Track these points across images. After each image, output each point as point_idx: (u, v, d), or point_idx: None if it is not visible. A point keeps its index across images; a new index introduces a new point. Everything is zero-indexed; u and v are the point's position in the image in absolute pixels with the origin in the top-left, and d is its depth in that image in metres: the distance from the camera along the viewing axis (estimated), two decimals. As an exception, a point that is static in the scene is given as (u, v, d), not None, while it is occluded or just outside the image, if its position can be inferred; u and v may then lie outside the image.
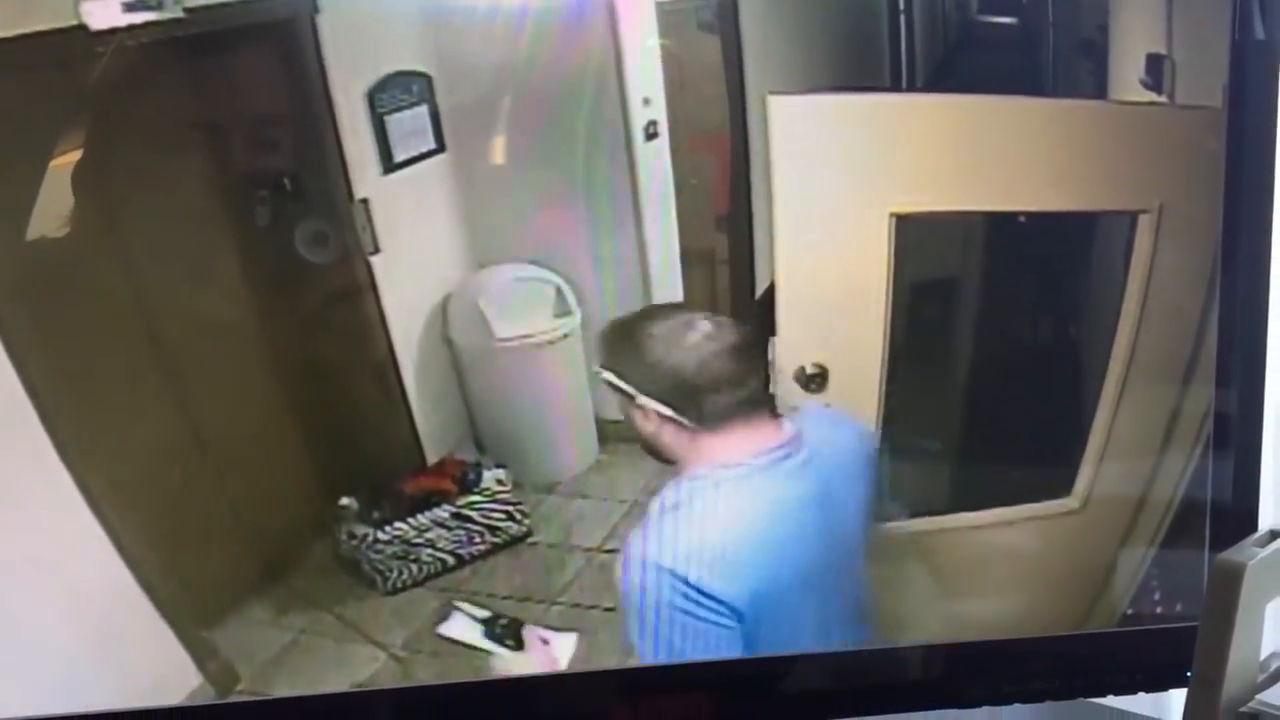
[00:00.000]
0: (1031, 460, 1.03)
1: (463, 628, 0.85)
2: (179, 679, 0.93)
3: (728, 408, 0.80)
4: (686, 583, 0.78)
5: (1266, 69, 0.91)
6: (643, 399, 0.79)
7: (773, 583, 0.81)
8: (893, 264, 0.98)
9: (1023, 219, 1.00)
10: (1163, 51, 0.96)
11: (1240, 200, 0.92)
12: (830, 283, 0.99)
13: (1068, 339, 1.04)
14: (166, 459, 0.95)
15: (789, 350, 0.98)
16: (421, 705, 0.93)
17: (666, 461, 0.82)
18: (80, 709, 0.86)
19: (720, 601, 0.79)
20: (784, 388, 0.95)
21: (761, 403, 0.82)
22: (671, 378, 0.79)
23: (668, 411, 0.79)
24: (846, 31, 1.12)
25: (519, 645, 0.84)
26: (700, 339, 0.80)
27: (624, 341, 0.80)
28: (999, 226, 1.01)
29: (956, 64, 1.08)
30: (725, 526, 0.79)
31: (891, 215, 0.98)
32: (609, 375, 0.79)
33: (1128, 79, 0.99)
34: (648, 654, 0.80)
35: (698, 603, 0.78)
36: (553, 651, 0.82)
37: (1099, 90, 1.00)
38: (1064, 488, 1.02)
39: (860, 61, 1.16)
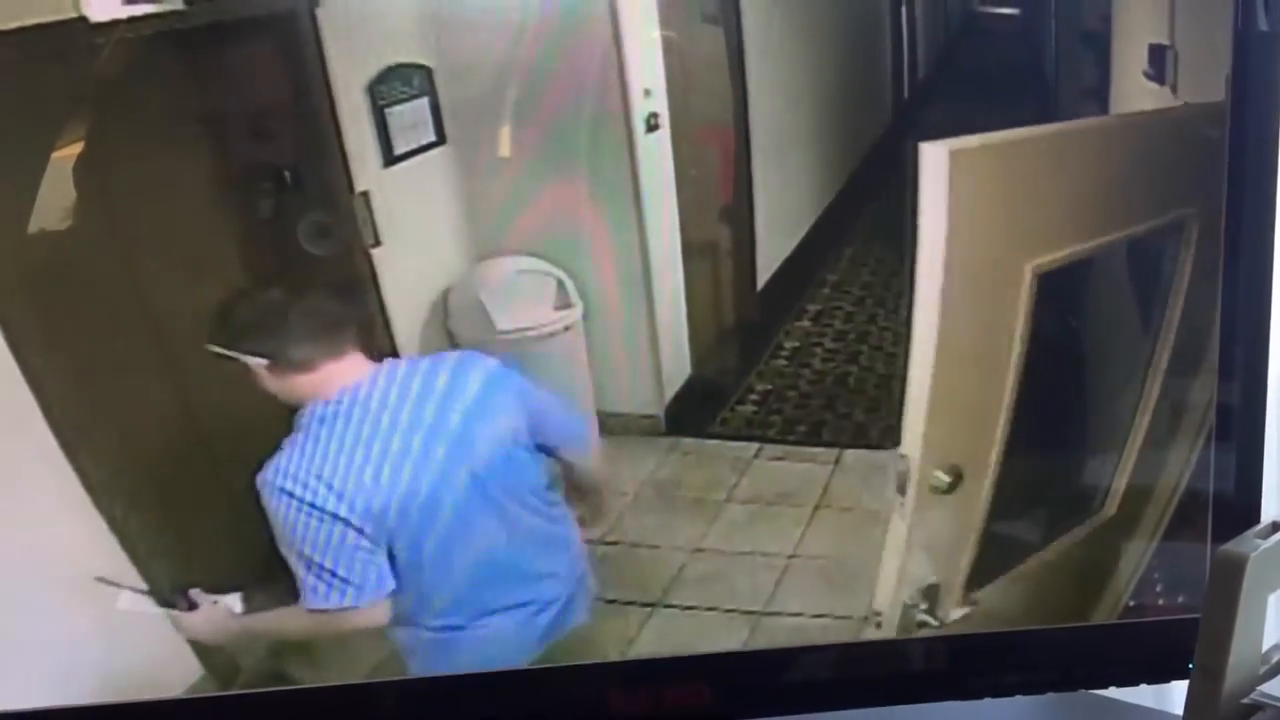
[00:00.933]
0: (1097, 491, 1.01)
1: (133, 602, 0.91)
2: (180, 671, 0.93)
3: (309, 354, 0.92)
4: (300, 500, 0.90)
5: (1269, 59, 0.91)
6: (243, 357, 0.90)
7: (384, 505, 0.93)
8: (1026, 331, 0.94)
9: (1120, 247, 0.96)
10: (1165, 42, 0.96)
11: (1243, 191, 0.92)
12: (970, 366, 0.95)
13: (1130, 358, 1.02)
14: (168, 451, 0.95)
15: (922, 458, 0.96)
16: (423, 696, 0.94)
17: (293, 408, 0.93)
18: (82, 701, 0.86)
19: (333, 514, 0.91)
20: (917, 502, 0.95)
21: (340, 350, 0.93)
22: (257, 333, 0.90)
23: (262, 362, 0.90)
24: (848, 22, 1.12)
25: (191, 606, 0.92)
26: (276, 296, 0.92)
27: (223, 317, 0.90)
28: (1106, 260, 0.97)
29: (959, 54, 1.08)
30: (323, 449, 0.92)
31: (1033, 271, 0.93)
32: (215, 348, 0.89)
33: (1130, 70, 0.99)
34: (299, 569, 0.92)
35: (310, 514, 0.91)
36: (221, 607, 0.92)
37: (1101, 81, 1.00)
38: (1104, 502, 1.01)
39: (862, 51, 1.16)
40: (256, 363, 0.90)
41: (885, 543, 0.99)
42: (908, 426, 0.97)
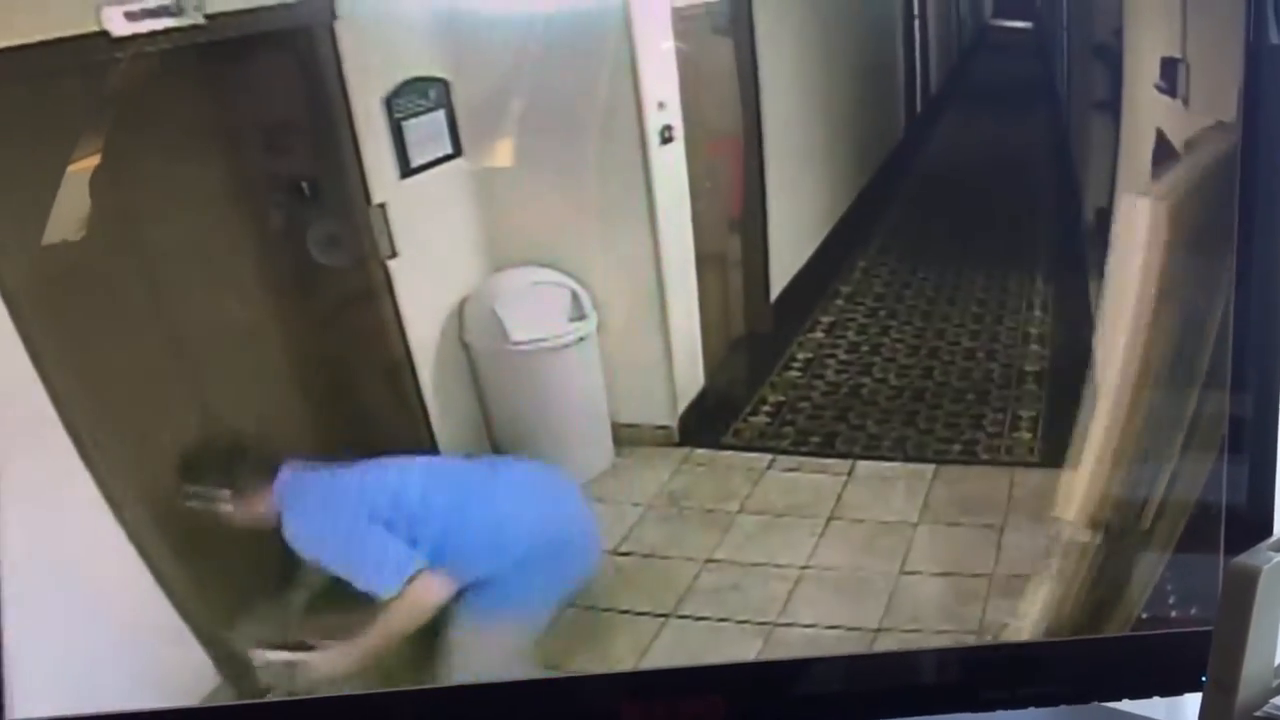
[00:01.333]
0: (1144, 508, 1.01)
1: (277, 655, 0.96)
2: (198, 680, 0.93)
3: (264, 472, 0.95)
4: (333, 526, 0.97)
5: (1281, 73, 0.91)
6: (209, 491, 0.94)
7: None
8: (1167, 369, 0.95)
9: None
10: (1177, 55, 0.96)
11: (1255, 203, 0.92)
12: (1137, 419, 0.95)
13: (1179, 376, 1.00)
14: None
15: (1076, 517, 0.97)
16: (438, 706, 0.94)
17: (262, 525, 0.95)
18: (100, 709, 0.87)
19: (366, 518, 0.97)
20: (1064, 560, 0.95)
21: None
22: (228, 471, 0.94)
23: (225, 494, 0.94)
24: (861, 36, 1.12)
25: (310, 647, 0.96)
26: (218, 448, 0.96)
27: (191, 467, 0.94)
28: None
29: (970, 69, 1.08)
30: (319, 487, 0.97)
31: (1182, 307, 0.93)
32: (194, 494, 0.93)
33: (1142, 83, 0.99)
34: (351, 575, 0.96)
35: (345, 529, 0.97)
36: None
37: (1113, 94, 1.00)
38: (1140, 518, 1.01)
39: (875, 65, 1.16)
40: (220, 494, 0.94)
41: (1025, 605, 1.00)
42: (1073, 489, 0.97)
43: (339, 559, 0.95)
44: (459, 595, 0.97)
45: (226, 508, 0.94)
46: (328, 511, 0.96)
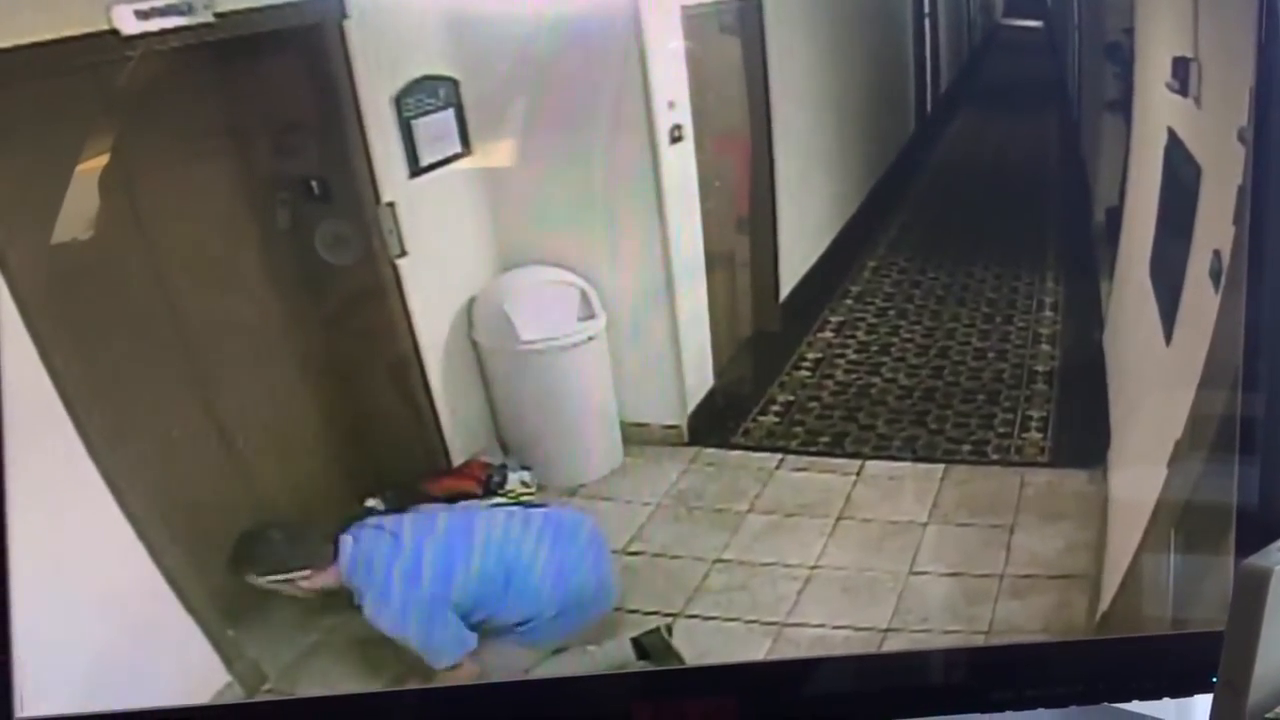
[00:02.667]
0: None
1: None
2: (208, 678, 0.93)
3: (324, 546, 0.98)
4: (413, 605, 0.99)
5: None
6: (289, 575, 0.97)
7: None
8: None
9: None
10: (1189, 55, 0.96)
11: (1267, 201, 0.92)
12: None
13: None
14: (194, 460, 0.96)
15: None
16: (446, 706, 0.94)
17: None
18: (110, 707, 0.87)
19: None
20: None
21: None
22: (288, 553, 0.97)
23: (305, 573, 0.97)
24: (871, 35, 1.12)
25: None
26: (279, 535, 0.98)
27: (245, 557, 0.96)
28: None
29: (981, 67, 1.08)
30: (387, 567, 0.99)
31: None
32: (260, 581, 0.96)
33: (1153, 82, 0.99)
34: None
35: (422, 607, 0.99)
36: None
37: (1124, 93, 1.00)
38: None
39: (886, 64, 1.16)
40: (299, 575, 0.96)
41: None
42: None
43: (410, 635, 0.96)
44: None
45: (302, 574, 0.96)
46: (404, 600, 0.97)
